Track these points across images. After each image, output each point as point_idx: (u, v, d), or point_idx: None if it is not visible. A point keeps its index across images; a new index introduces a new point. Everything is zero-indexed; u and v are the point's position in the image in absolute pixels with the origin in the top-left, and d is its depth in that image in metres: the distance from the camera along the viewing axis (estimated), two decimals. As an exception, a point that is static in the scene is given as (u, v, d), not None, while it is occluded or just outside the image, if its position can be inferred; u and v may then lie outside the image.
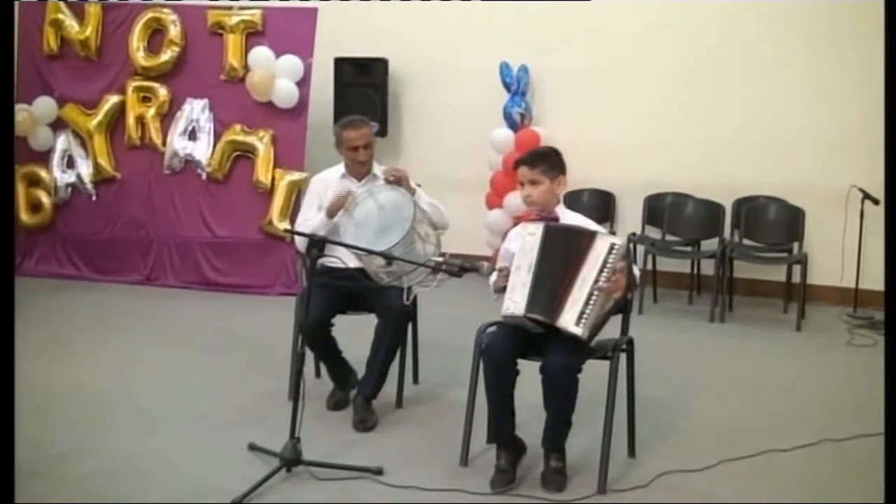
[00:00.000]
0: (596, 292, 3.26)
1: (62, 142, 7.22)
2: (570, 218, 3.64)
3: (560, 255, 3.35)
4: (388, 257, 3.72)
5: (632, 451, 3.73)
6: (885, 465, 2.85)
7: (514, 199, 6.61)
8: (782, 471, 3.66)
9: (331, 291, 4.06)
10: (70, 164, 7.22)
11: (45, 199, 7.22)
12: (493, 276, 3.54)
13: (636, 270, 3.54)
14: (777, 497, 3.43)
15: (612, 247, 3.30)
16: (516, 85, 7.12)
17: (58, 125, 7.24)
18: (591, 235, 3.38)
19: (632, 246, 3.51)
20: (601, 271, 3.27)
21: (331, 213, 4.10)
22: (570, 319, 3.25)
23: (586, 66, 7.15)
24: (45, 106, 7.18)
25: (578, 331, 3.24)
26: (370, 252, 3.76)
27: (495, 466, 3.47)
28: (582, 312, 3.24)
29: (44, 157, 7.25)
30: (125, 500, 3.32)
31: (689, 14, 6.84)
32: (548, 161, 3.60)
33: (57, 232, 7.29)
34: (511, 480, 3.43)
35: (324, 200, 4.22)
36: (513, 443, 3.54)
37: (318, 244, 3.55)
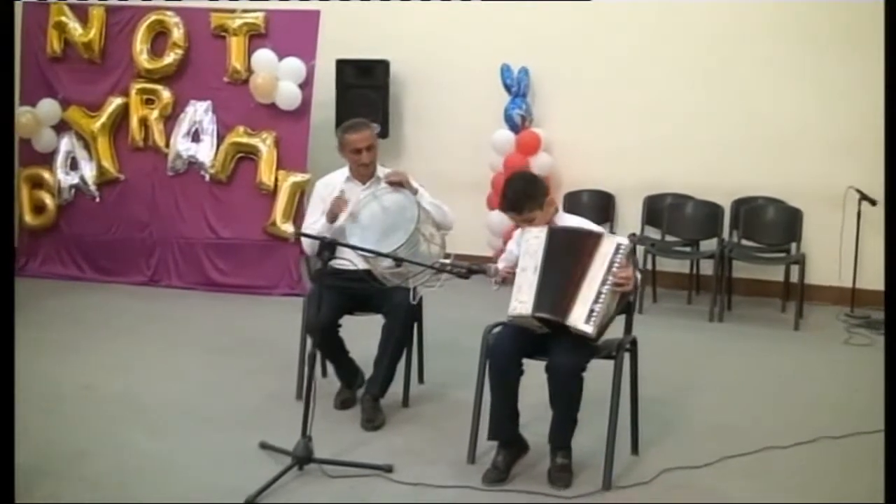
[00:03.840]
0: (604, 291, 3.33)
1: (66, 144, 7.24)
2: (569, 221, 3.71)
3: (565, 256, 3.42)
4: (395, 259, 3.77)
5: (635, 448, 3.80)
6: (886, 463, 2.89)
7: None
8: (781, 467, 3.73)
9: (339, 293, 4.10)
10: (74, 165, 7.24)
11: (49, 200, 7.23)
12: (499, 266, 3.63)
13: (637, 273, 3.60)
14: (776, 493, 3.50)
15: (618, 246, 3.39)
16: (517, 87, 7.17)
17: (61, 127, 7.25)
18: (598, 236, 3.46)
19: (635, 247, 3.57)
20: (608, 270, 3.35)
21: (330, 218, 4.17)
22: (579, 318, 3.32)
23: (586, 68, 7.19)
24: (48, 108, 7.20)
25: (588, 329, 3.31)
26: (377, 254, 3.82)
27: (492, 462, 3.55)
28: (591, 311, 3.31)
29: (47, 159, 7.26)
30: (137, 500, 3.37)
31: (688, 16, 6.88)
32: (532, 199, 3.57)
33: (61, 233, 7.31)
34: (503, 479, 3.50)
35: (328, 204, 4.28)
36: (513, 442, 3.60)
37: (329, 247, 3.62)
